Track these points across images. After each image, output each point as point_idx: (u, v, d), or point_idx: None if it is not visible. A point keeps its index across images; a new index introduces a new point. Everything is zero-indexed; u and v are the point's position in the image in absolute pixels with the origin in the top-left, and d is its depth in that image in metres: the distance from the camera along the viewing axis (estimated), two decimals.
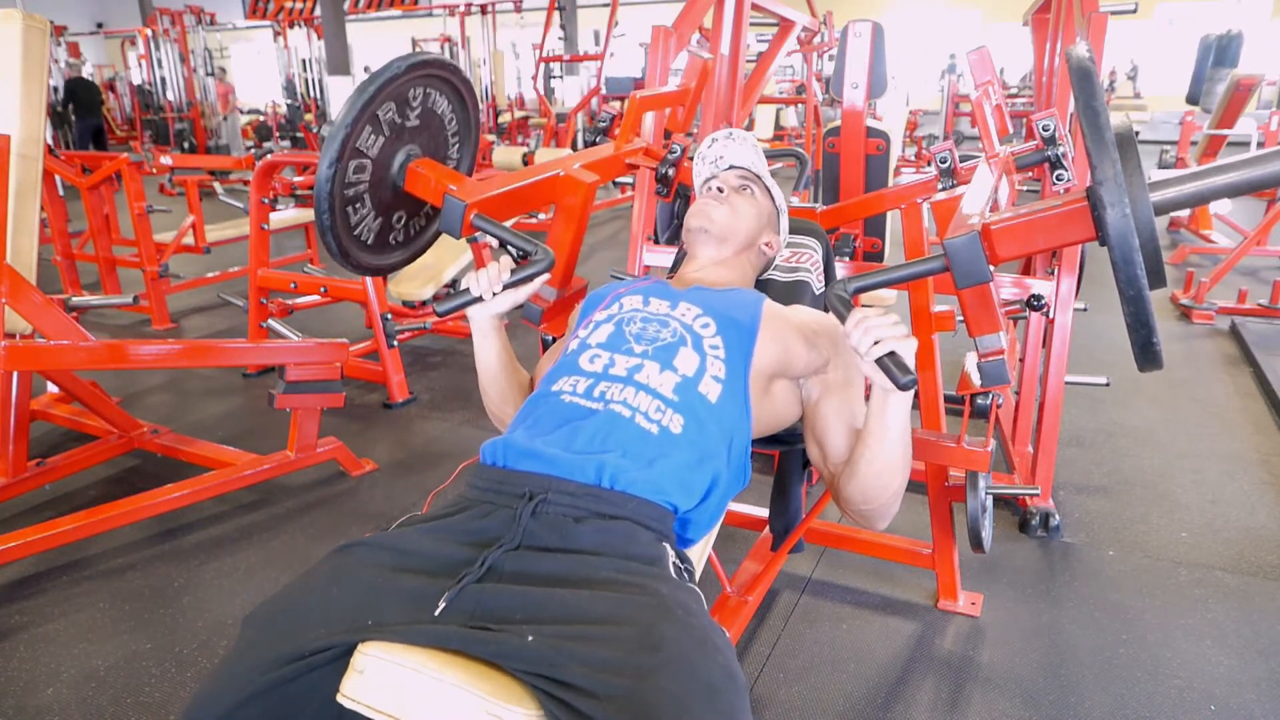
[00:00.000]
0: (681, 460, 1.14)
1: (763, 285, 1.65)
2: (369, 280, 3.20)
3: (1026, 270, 2.60)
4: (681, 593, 1.00)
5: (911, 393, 1.14)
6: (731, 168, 1.60)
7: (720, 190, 1.52)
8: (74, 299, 4.12)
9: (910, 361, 1.10)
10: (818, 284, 1.71)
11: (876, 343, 1.10)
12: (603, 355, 1.25)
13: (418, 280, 3.72)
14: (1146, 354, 1.07)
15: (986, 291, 1.33)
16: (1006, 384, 1.47)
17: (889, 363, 1.09)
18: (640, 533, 1.07)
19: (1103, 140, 1.00)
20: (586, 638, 0.89)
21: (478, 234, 1.51)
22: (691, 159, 1.77)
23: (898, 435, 1.19)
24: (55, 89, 11.28)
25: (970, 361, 2.73)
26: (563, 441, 1.14)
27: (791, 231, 1.75)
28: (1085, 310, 2.68)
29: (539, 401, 1.23)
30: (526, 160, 5.76)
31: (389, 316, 3.23)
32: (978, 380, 1.51)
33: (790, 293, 1.66)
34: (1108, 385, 2.96)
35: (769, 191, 1.59)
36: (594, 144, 1.92)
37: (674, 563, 1.08)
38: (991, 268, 1.18)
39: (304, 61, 13.98)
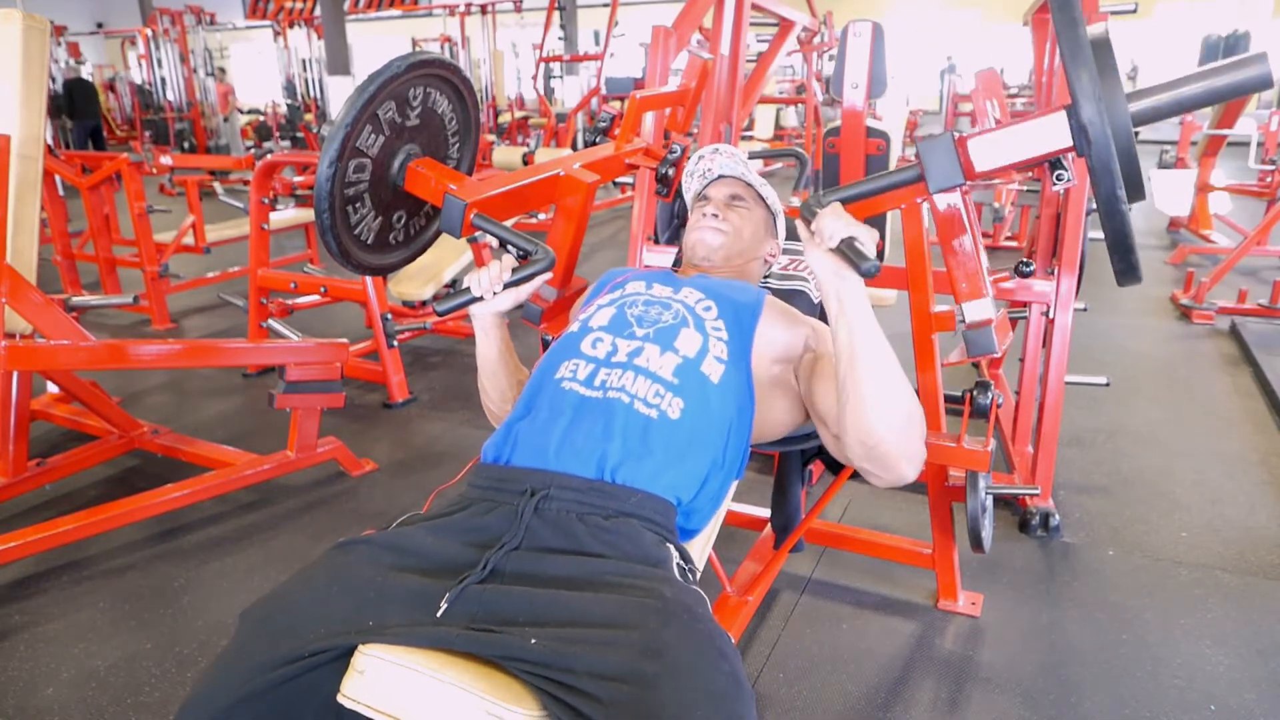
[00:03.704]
0: (680, 447, 1.14)
1: None
2: (369, 280, 3.20)
3: None
4: (686, 596, 0.99)
5: (864, 290, 1.09)
6: (722, 177, 1.60)
7: (715, 215, 1.51)
8: (74, 299, 4.12)
9: (870, 250, 1.06)
10: (815, 293, 1.69)
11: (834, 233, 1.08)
12: (605, 339, 1.25)
13: (418, 280, 3.71)
14: (1127, 271, 1.08)
15: (970, 255, 1.33)
16: (995, 354, 1.46)
17: (847, 250, 1.05)
18: (645, 534, 1.07)
19: (1079, 47, 1.00)
20: (590, 641, 0.89)
21: (478, 233, 1.51)
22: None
23: (867, 339, 1.09)
24: (54, 82, 11.30)
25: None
26: (563, 434, 1.13)
27: (791, 237, 1.75)
28: (1085, 310, 2.68)
29: (540, 389, 1.22)
30: (526, 160, 5.76)
31: (389, 316, 3.23)
32: (957, 356, 1.51)
33: (787, 301, 1.64)
34: (1108, 385, 2.96)
35: (761, 197, 1.57)
36: (594, 144, 1.91)
37: (678, 563, 1.08)
38: (967, 183, 1.18)
39: (304, 61, 13.99)
